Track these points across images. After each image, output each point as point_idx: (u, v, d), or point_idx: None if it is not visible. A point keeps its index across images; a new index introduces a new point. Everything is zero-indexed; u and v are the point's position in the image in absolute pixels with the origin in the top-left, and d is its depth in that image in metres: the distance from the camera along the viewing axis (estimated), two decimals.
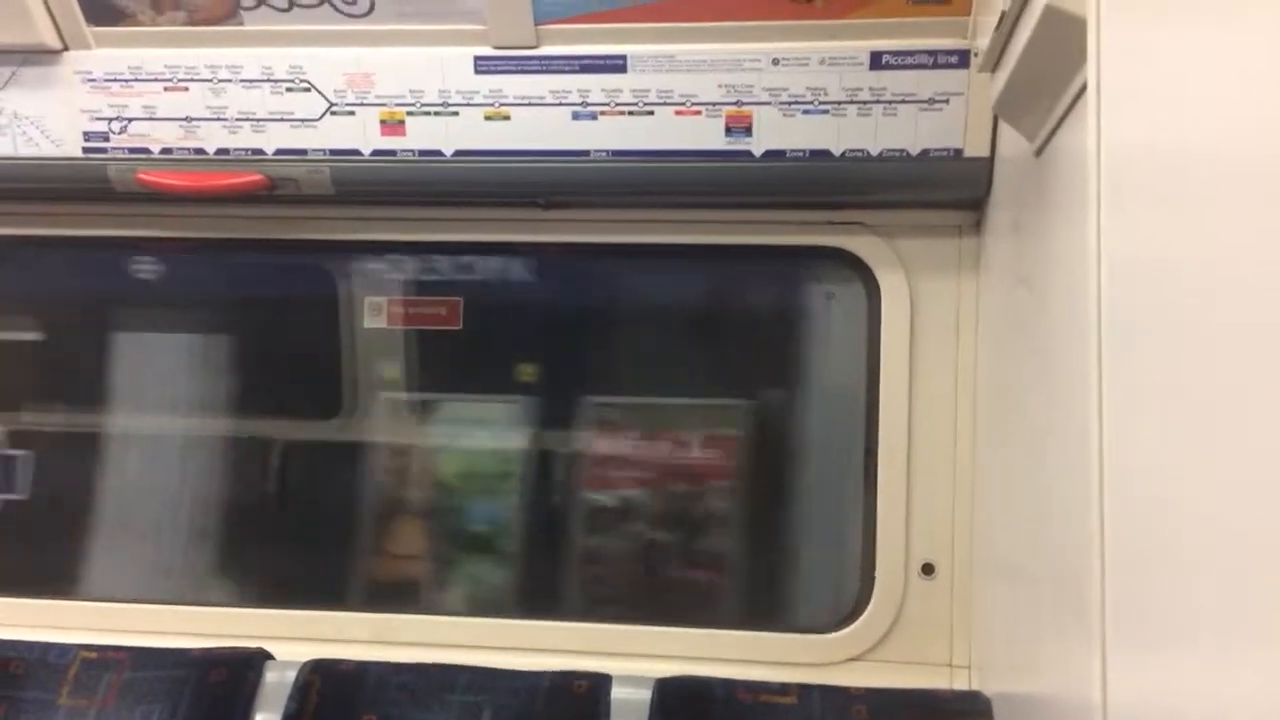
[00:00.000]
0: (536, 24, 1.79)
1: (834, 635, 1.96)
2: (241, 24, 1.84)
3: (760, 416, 2.25)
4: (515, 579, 2.33)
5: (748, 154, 1.82)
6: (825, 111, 1.79)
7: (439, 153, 1.88)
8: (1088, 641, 0.98)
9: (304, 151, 1.90)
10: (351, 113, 1.87)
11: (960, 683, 1.89)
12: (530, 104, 1.84)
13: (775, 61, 1.77)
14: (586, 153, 1.85)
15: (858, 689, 1.77)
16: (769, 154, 1.82)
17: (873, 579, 1.94)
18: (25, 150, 1.95)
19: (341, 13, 1.81)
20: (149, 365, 2.42)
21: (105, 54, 1.90)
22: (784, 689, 1.76)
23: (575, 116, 1.83)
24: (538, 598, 2.33)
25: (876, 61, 1.76)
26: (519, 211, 2.01)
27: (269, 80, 1.87)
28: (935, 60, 1.75)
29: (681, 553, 2.26)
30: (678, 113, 1.81)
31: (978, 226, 1.91)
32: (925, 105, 1.77)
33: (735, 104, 1.80)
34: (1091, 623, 0.97)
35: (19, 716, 1.82)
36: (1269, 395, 0.65)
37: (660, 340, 2.39)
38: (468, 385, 2.40)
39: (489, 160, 1.87)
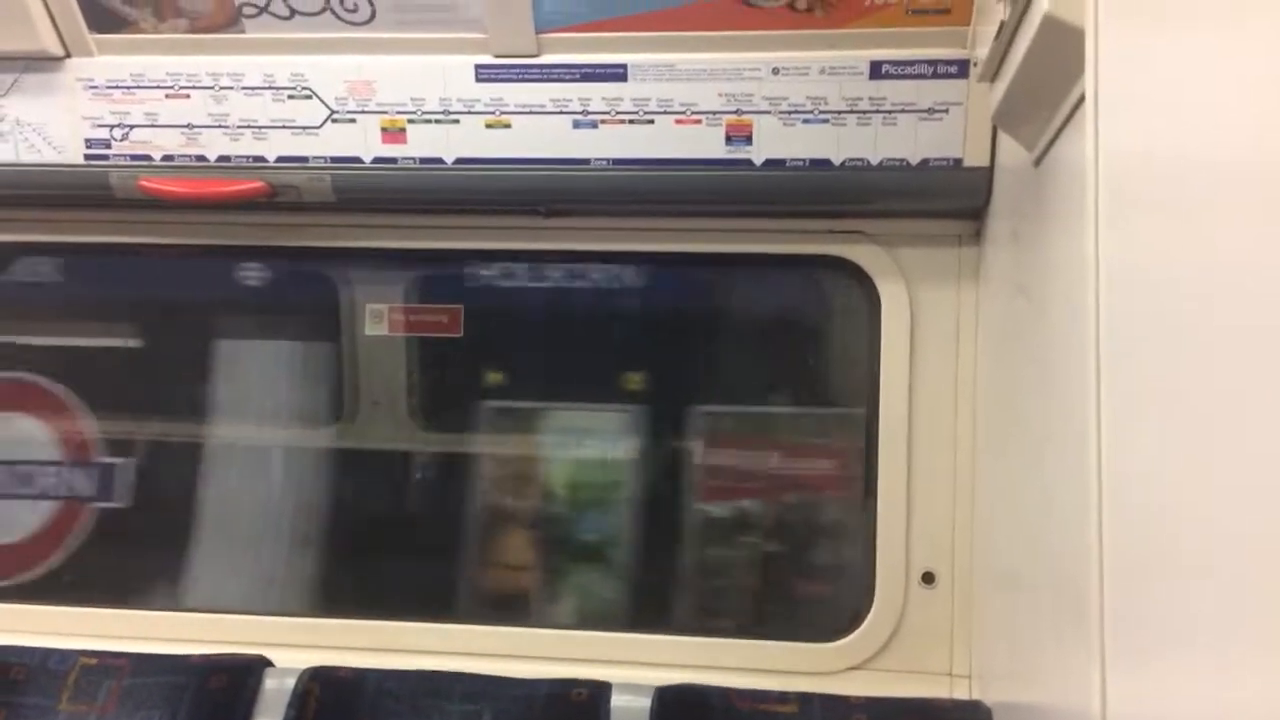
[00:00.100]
0: (537, 32, 1.79)
1: (834, 644, 1.95)
2: (243, 31, 1.85)
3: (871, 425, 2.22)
4: (627, 591, 2.28)
5: (748, 163, 1.82)
6: (825, 121, 1.79)
7: (440, 160, 1.88)
8: (1087, 650, 0.98)
9: (305, 159, 1.90)
10: (353, 120, 1.88)
11: (960, 692, 1.89)
12: (531, 112, 1.84)
13: (775, 71, 1.78)
14: (587, 161, 1.86)
15: (858, 698, 1.77)
16: (769, 163, 1.82)
17: (873, 587, 1.94)
18: (27, 157, 1.95)
19: (343, 20, 1.82)
20: (247, 372, 2.39)
21: (107, 61, 1.91)
22: (784, 698, 1.76)
23: (576, 125, 1.84)
24: (649, 610, 2.28)
25: (876, 71, 1.76)
26: (519, 219, 2.02)
27: (270, 88, 1.88)
28: (935, 70, 1.75)
29: (798, 565, 2.22)
30: (678, 121, 1.82)
31: (977, 236, 1.92)
32: (925, 115, 1.77)
33: (735, 113, 1.80)
34: (1090, 631, 0.97)
35: None
36: (1268, 403, 0.65)
37: (765, 348, 2.36)
38: (574, 393, 2.35)
39: (489, 168, 1.88)
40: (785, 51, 1.77)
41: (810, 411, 2.27)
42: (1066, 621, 1.18)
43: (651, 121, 1.82)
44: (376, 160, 1.89)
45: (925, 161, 1.79)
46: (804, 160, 1.81)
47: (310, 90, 1.88)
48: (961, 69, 1.75)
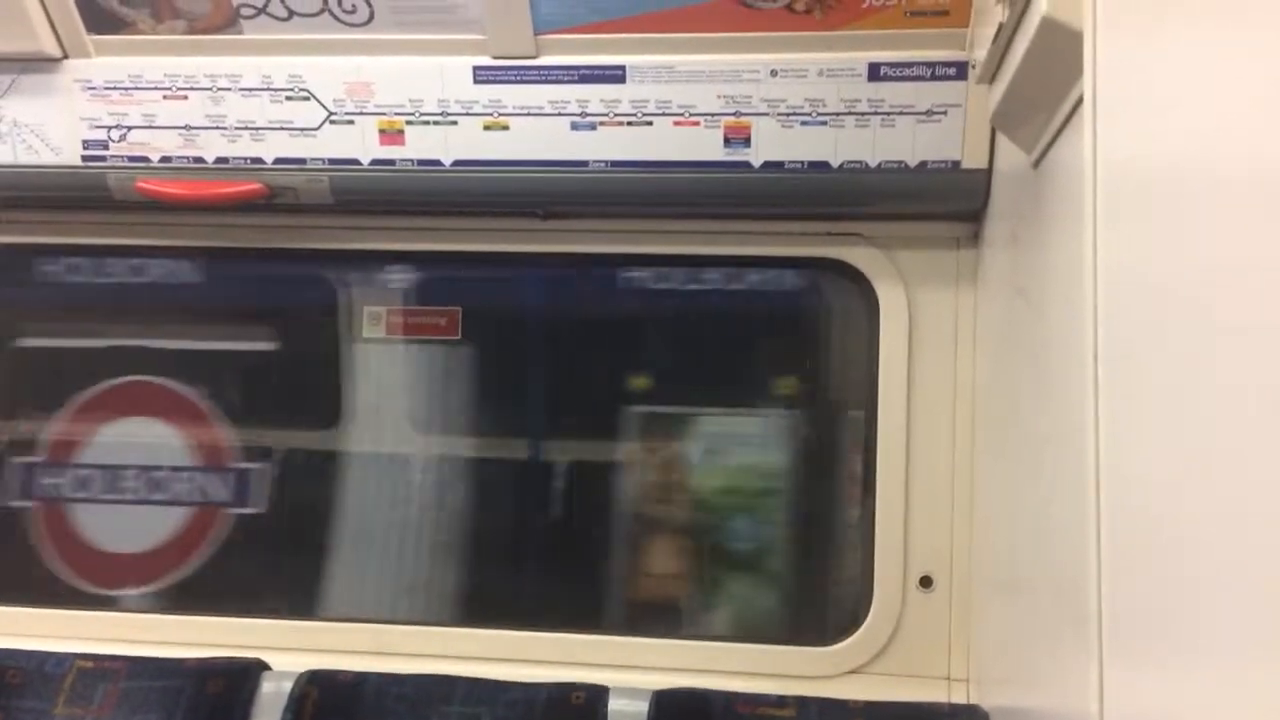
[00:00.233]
0: (536, 34, 1.79)
1: (832, 648, 1.95)
2: (241, 33, 1.85)
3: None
4: (780, 599, 2.24)
5: (746, 165, 1.82)
6: (823, 123, 1.79)
7: (438, 162, 1.88)
8: (1085, 654, 0.97)
9: (303, 160, 1.90)
10: (350, 122, 1.88)
11: (959, 696, 1.88)
12: (529, 114, 1.84)
13: (774, 73, 1.78)
14: (585, 163, 1.85)
15: (856, 702, 1.76)
16: (767, 165, 1.82)
17: (871, 592, 1.93)
18: (25, 158, 1.95)
19: (341, 22, 1.82)
20: (385, 377, 2.34)
21: (105, 62, 1.91)
22: (782, 701, 1.76)
23: (574, 127, 1.84)
24: (804, 619, 2.22)
25: (874, 73, 1.76)
26: (517, 221, 2.01)
27: (268, 89, 1.88)
28: (933, 72, 1.75)
29: None
30: (676, 123, 1.81)
31: (975, 238, 1.91)
32: (923, 117, 1.77)
33: (734, 115, 1.80)
34: (1089, 635, 0.96)
35: None
36: (1266, 404, 0.65)
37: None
38: (724, 398, 2.28)
39: (487, 170, 1.87)
40: (784, 53, 1.77)
41: None
42: (1065, 625, 1.18)
43: (650, 123, 1.82)
44: (374, 162, 1.89)
45: (923, 163, 1.79)
46: (802, 162, 1.81)
47: (308, 91, 1.87)
48: (960, 71, 1.75)
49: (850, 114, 1.78)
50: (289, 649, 1.97)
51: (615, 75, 1.81)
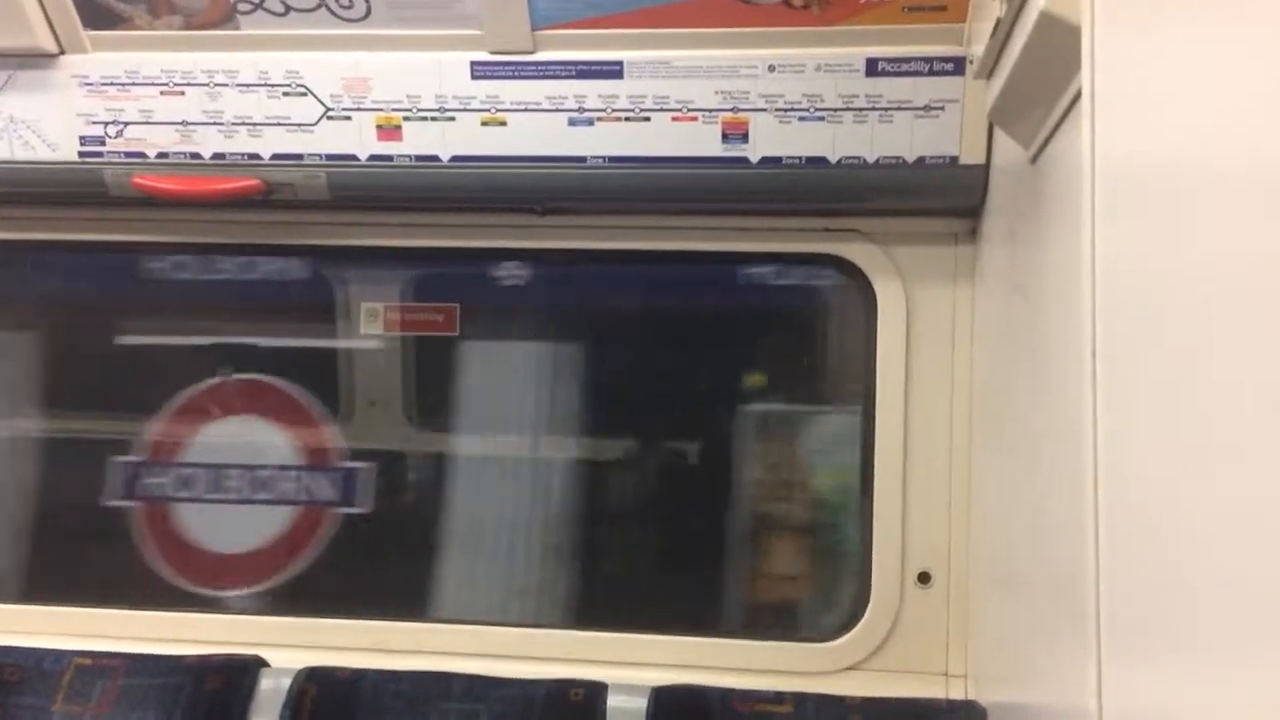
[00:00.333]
0: (533, 29, 1.79)
1: (830, 644, 1.95)
2: (238, 28, 1.84)
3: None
4: None
5: (744, 160, 1.82)
6: (821, 118, 1.79)
7: (435, 158, 1.88)
8: (1083, 650, 0.97)
9: (300, 156, 1.90)
10: (348, 117, 1.87)
11: (956, 692, 1.88)
12: (527, 109, 1.83)
13: (771, 68, 1.77)
14: (583, 159, 1.85)
15: (853, 698, 1.76)
16: (765, 160, 1.81)
17: (869, 588, 1.94)
18: (21, 154, 1.95)
19: (338, 17, 1.81)
20: (495, 377, 2.32)
21: (101, 58, 1.90)
22: (779, 698, 1.76)
23: (572, 122, 1.83)
24: None
25: (872, 68, 1.76)
26: (515, 217, 2.01)
27: (265, 84, 1.87)
28: (931, 67, 1.75)
29: None
30: (674, 119, 1.81)
31: (973, 234, 1.91)
32: (921, 112, 1.77)
33: (732, 110, 1.80)
34: (1087, 631, 0.96)
35: None
36: (1264, 401, 0.65)
37: None
38: (828, 397, 2.24)
39: (485, 166, 1.87)
40: (781, 49, 1.77)
41: None
42: (1063, 620, 1.18)
43: (648, 119, 1.82)
44: (372, 158, 1.89)
45: (921, 159, 1.79)
46: (800, 158, 1.81)
47: (305, 87, 1.87)
48: (958, 66, 1.74)
49: (848, 109, 1.78)
50: (287, 646, 1.97)
51: (613, 71, 1.81)
